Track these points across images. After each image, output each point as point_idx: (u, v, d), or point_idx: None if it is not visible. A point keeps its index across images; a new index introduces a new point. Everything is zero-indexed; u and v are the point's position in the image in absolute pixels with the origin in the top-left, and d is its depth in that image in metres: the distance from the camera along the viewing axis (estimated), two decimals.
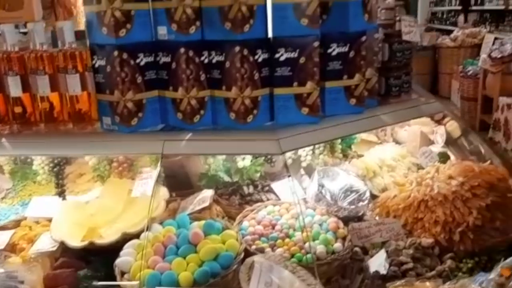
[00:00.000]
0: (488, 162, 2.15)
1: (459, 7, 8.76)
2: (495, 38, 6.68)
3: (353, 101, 1.80)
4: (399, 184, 2.04)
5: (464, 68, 6.44)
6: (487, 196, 1.85)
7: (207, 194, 1.95)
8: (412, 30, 1.99)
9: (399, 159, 2.28)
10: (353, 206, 1.92)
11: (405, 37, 1.96)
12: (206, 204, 1.90)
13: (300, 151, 2.10)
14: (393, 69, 2.00)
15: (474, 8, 8.05)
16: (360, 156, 2.30)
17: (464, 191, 1.85)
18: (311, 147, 2.10)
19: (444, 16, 9.63)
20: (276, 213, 1.85)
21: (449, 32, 8.25)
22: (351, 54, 1.74)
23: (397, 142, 2.77)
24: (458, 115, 2.63)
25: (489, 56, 5.65)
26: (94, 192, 2.07)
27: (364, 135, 2.40)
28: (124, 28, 1.61)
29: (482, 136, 5.79)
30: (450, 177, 1.93)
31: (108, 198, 1.96)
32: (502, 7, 7.36)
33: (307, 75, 1.67)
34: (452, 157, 2.57)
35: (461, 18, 7.99)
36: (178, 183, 2.06)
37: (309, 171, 2.10)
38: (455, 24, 8.43)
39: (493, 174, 1.96)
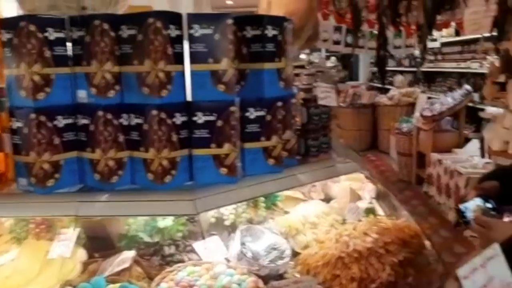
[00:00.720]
0: (403, 219, 2.26)
1: (395, 68, 9.35)
2: (428, 97, 7.15)
3: (271, 161, 1.88)
4: (320, 241, 2.10)
5: (399, 125, 6.81)
6: (400, 252, 1.94)
7: (128, 255, 1.93)
8: (328, 96, 2.12)
9: (322, 216, 2.35)
10: (273, 265, 1.95)
11: (320, 102, 2.09)
12: (126, 265, 1.88)
13: (223, 210, 2.14)
14: (311, 131, 2.12)
15: (409, 69, 8.60)
16: (286, 213, 2.37)
17: (378, 247, 1.94)
18: (235, 205, 2.14)
19: None
20: (196, 273, 1.85)
21: (387, 91, 8.74)
22: (268, 117, 1.84)
23: (330, 197, 2.87)
24: (372, 177, 2.75)
25: (421, 114, 6.02)
26: (10, 254, 2.01)
27: (290, 192, 2.48)
28: (43, 92, 1.64)
29: (418, 190, 6.07)
30: (366, 234, 2.01)
31: (24, 260, 1.90)
32: (434, 69, 7.92)
33: (224, 137, 1.74)
34: (381, 212, 2.68)
35: (397, 77, 8.49)
36: (100, 244, 2.03)
37: (233, 229, 2.13)
38: (391, 83, 8.94)
39: (406, 231, 2.06)
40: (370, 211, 2.59)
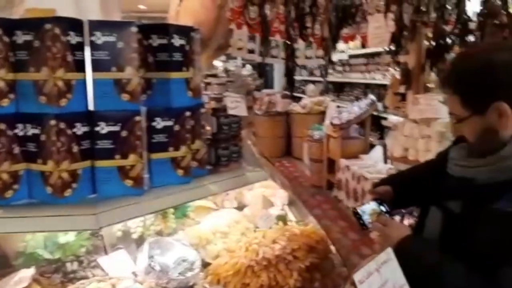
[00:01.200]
0: (311, 225, 2.33)
1: (308, 77, 9.70)
2: (337, 106, 7.49)
3: (180, 172, 1.86)
4: (230, 251, 2.11)
5: (311, 133, 7.07)
6: (307, 258, 2.01)
7: (26, 273, 1.81)
8: (238, 105, 2.14)
9: (234, 224, 2.36)
10: (183, 277, 1.92)
11: (230, 112, 2.11)
12: (24, 284, 1.76)
13: (130, 223, 2.07)
14: (221, 140, 2.12)
15: (320, 79, 8.95)
16: (197, 223, 2.35)
17: (286, 254, 1.98)
18: (142, 218, 2.09)
19: (296, 84, 10.55)
20: None
21: (300, 99, 9.04)
22: (176, 127, 1.81)
23: (243, 205, 2.88)
24: (286, 183, 2.82)
25: (331, 122, 6.30)
26: None
27: (202, 202, 2.46)
28: None
29: (329, 195, 6.32)
30: (274, 241, 2.05)
31: None
32: (342, 80, 8.31)
33: (129, 148, 1.69)
34: (292, 218, 2.75)
35: (309, 86, 8.81)
36: None
37: (141, 242, 2.07)
38: (304, 92, 9.26)
39: (313, 237, 2.13)
40: (281, 217, 2.64)
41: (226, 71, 7.39)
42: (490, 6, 2.31)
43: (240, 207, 2.80)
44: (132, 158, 1.69)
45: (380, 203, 1.39)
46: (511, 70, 1.10)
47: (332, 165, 6.46)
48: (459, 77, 1.19)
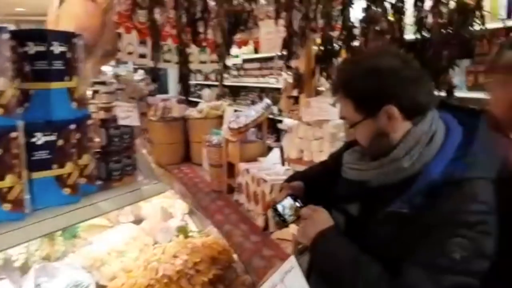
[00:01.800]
0: (212, 236, 2.28)
1: (203, 82, 9.65)
2: (235, 110, 7.54)
3: (67, 190, 1.70)
4: (128, 271, 1.98)
5: (210, 138, 7.02)
6: (210, 270, 1.95)
7: None
8: (129, 115, 2.02)
9: (131, 241, 2.23)
10: None
11: (121, 122, 1.98)
12: None
13: (10, 250, 1.86)
14: (112, 153, 1.99)
15: (216, 83, 8.94)
16: (89, 243, 2.18)
17: (187, 268, 1.91)
18: (26, 244, 1.88)
19: (192, 89, 10.45)
20: None
21: (197, 104, 8.95)
22: (60, 142, 1.66)
23: (141, 218, 2.74)
24: (184, 192, 2.75)
25: (229, 127, 6.30)
26: None
27: (94, 220, 2.29)
28: None
29: (229, 199, 6.31)
30: (175, 256, 1.97)
31: None
32: (237, 84, 8.38)
33: (5, 168, 1.51)
34: (194, 228, 2.66)
35: (205, 91, 8.76)
36: None
37: (26, 270, 1.86)
38: (201, 96, 9.19)
39: (215, 248, 2.08)
40: (182, 229, 2.56)
41: (117, 76, 7.06)
42: (371, 13, 2.43)
43: (138, 221, 2.67)
44: (9, 179, 1.51)
45: (295, 199, 1.38)
46: (396, 74, 1.14)
47: (232, 169, 6.45)
48: (349, 83, 1.21)
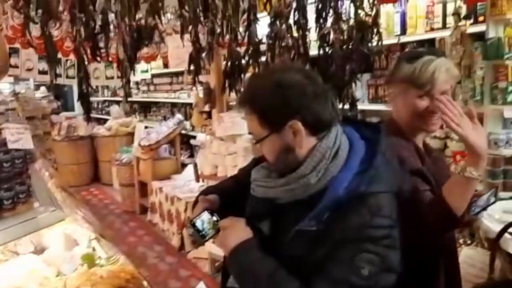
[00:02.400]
0: (120, 262, 2.15)
1: (112, 98, 9.31)
2: (145, 127, 7.33)
3: None
4: None
5: (119, 156, 6.76)
6: None
7: None
8: (21, 137, 1.85)
9: (30, 274, 2.03)
10: None
11: (12, 146, 1.81)
12: None
13: None
14: (1, 180, 1.80)
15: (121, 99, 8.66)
16: None
17: None
18: None
19: (99, 106, 10.04)
20: None
21: (105, 121, 8.60)
22: None
23: (42, 247, 2.52)
24: (90, 217, 2.58)
25: (139, 144, 6.11)
26: None
27: None
28: None
29: (143, 219, 6.10)
30: None
31: None
32: (148, 99, 8.18)
33: None
34: (103, 255, 2.49)
35: (113, 108, 8.46)
36: None
37: None
38: (109, 113, 8.86)
39: (122, 276, 1.95)
40: (88, 257, 2.38)
41: (15, 94, 6.58)
42: (275, 30, 2.47)
43: (40, 250, 2.45)
44: None
45: (211, 213, 1.31)
46: (300, 89, 1.14)
47: (144, 188, 6.27)
48: (254, 98, 1.20)
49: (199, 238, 1.30)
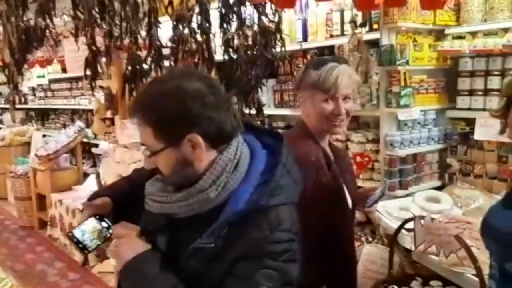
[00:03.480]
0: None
1: (5, 105, 8.61)
2: (43, 135, 6.84)
3: None
4: None
5: (14, 168, 6.24)
6: None
7: None
8: None
9: None
10: None
11: None
12: None
13: None
14: None
15: (19, 106, 8.05)
16: None
17: None
18: None
19: None
20: None
21: None
22: None
23: None
24: None
25: (36, 154, 5.67)
26: None
27: None
28: None
29: (42, 234, 5.68)
30: None
31: None
32: (45, 106, 7.67)
33: None
34: None
35: (6, 116, 7.83)
36: None
37: None
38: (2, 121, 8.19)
39: None
40: None
41: None
42: (179, 33, 2.41)
43: None
44: None
45: (100, 219, 1.18)
46: (200, 100, 1.05)
47: (42, 201, 5.83)
48: (148, 107, 1.08)
49: (80, 251, 1.18)
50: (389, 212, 2.33)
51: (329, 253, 1.58)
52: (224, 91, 1.17)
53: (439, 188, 2.80)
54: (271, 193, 1.06)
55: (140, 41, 2.41)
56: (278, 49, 2.94)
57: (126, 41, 2.39)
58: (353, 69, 1.94)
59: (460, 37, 2.83)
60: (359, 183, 2.89)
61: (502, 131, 1.39)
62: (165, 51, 2.68)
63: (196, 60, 2.61)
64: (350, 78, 1.61)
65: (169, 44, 2.63)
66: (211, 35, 2.64)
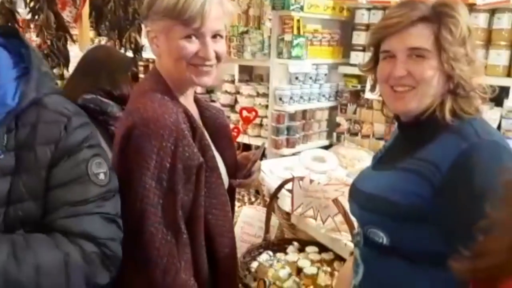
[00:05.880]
0: None
1: None
2: None
3: None
4: None
5: None
6: None
7: None
8: None
9: None
10: None
11: None
12: None
13: None
14: None
15: None
16: None
17: None
18: None
19: None
20: None
21: None
22: None
23: None
24: None
25: None
26: None
27: None
28: None
29: None
30: None
31: None
32: None
33: None
34: None
35: None
36: None
37: None
38: None
39: None
40: None
41: None
42: None
43: None
44: None
45: None
46: None
47: None
48: None
49: None
50: (272, 171, 2.14)
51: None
52: None
53: (327, 148, 2.66)
54: (37, 84, 0.96)
55: None
56: None
57: None
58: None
59: None
60: (245, 139, 2.67)
61: (372, 89, 1.17)
62: None
63: None
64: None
65: None
66: None
